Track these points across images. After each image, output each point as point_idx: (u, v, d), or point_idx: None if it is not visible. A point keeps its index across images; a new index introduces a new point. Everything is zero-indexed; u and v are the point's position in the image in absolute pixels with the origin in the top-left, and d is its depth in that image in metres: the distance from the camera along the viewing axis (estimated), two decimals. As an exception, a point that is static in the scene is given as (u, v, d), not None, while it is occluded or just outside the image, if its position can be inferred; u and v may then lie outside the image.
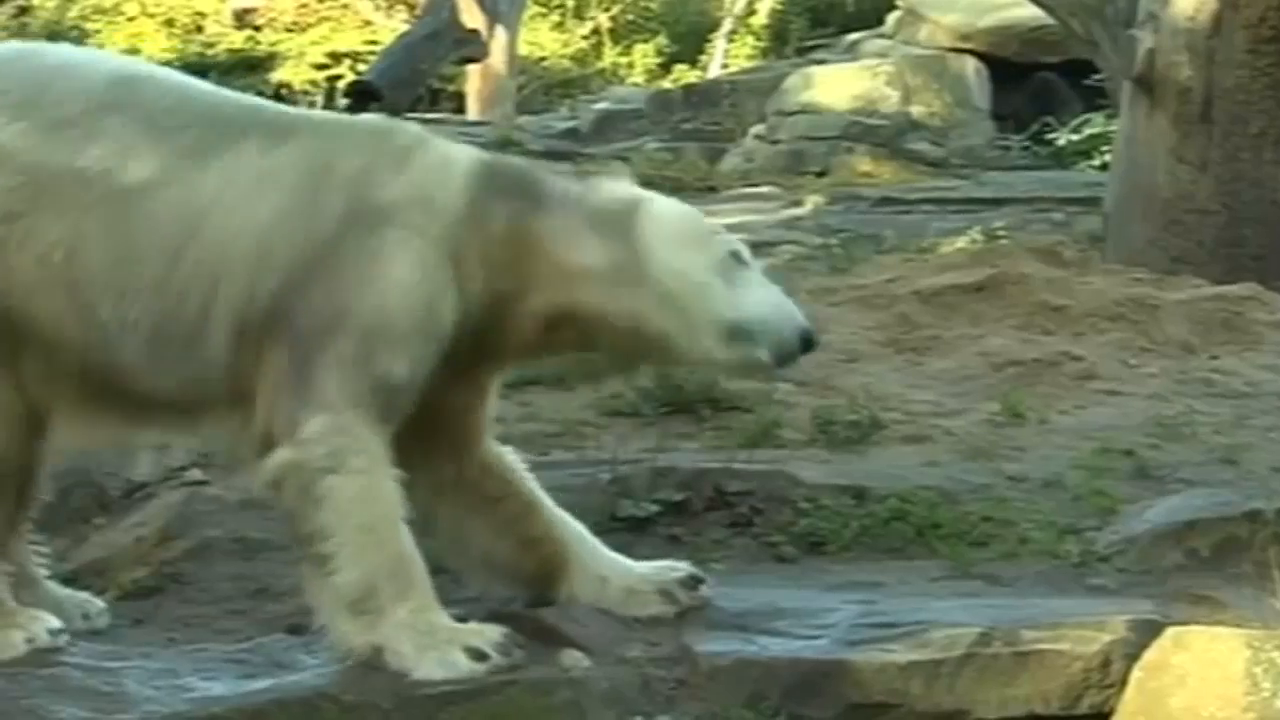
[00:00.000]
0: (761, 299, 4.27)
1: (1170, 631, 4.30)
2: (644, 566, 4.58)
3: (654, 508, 5.19)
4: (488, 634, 4.18)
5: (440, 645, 4.12)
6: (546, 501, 4.55)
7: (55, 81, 4.25)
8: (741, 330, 4.24)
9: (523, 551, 4.51)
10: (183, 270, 4.14)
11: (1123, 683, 4.28)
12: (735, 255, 4.30)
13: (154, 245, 4.14)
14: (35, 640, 4.28)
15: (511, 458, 4.56)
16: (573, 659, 4.23)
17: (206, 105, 4.33)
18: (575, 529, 4.56)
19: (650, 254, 4.24)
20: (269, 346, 4.14)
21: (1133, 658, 4.29)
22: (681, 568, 4.58)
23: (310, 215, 4.17)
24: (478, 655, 4.12)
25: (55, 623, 4.36)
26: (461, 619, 4.27)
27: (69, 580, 4.90)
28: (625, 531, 4.73)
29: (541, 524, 4.52)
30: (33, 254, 4.14)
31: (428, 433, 4.35)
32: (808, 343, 4.31)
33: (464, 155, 4.34)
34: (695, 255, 4.26)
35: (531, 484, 4.55)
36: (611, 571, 4.53)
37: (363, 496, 4.12)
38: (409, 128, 4.41)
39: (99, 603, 4.71)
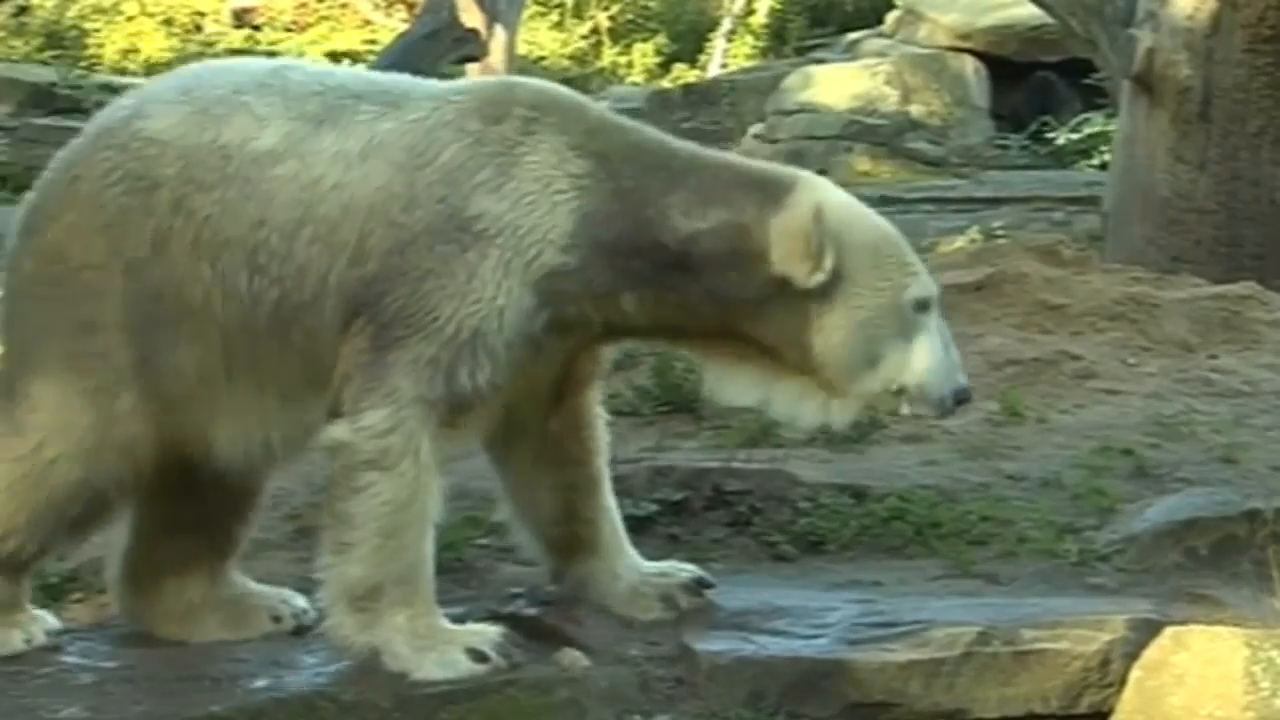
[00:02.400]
0: (932, 360, 4.18)
1: (1169, 631, 4.30)
2: (651, 567, 4.59)
3: (653, 507, 5.18)
4: (487, 635, 4.18)
5: (440, 646, 4.13)
6: (606, 485, 4.58)
7: (215, 75, 4.41)
8: (905, 390, 4.20)
9: (563, 519, 4.53)
10: (302, 243, 4.17)
11: (1122, 682, 4.28)
12: (920, 303, 4.19)
13: (278, 215, 4.19)
14: (33, 640, 4.30)
15: (601, 427, 4.57)
16: (572, 658, 4.23)
17: (336, 78, 4.40)
18: (614, 520, 4.59)
19: (845, 289, 4.13)
20: (358, 325, 4.14)
21: (1132, 657, 4.29)
22: (688, 570, 4.59)
23: (407, 204, 4.15)
24: (478, 656, 4.12)
25: (54, 623, 4.38)
26: (461, 619, 4.28)
27: (69, 579, 4.90)
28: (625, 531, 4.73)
29: (592, 505, 4.54)
30: (191, 234, 4.20)
31: (556, 387, 4.42)
32: (961, 401, 4.25)
33: (572, 168, 4.16)
34: (886, 304, 4.14)
35: (602, 462, 4.57)
36: (625, 569, 4.55)
37: (398, 500, 4.13)
38: (521, 103, 4.23)
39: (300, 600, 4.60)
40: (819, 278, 4.11)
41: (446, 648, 4.13)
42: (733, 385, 4.37)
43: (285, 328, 4.18)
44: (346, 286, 4.15)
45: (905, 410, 4.25)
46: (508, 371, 4.16)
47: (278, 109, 4.26)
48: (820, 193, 4.19)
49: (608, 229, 4.15)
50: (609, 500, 4.58)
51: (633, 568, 4.56)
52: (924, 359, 4.17)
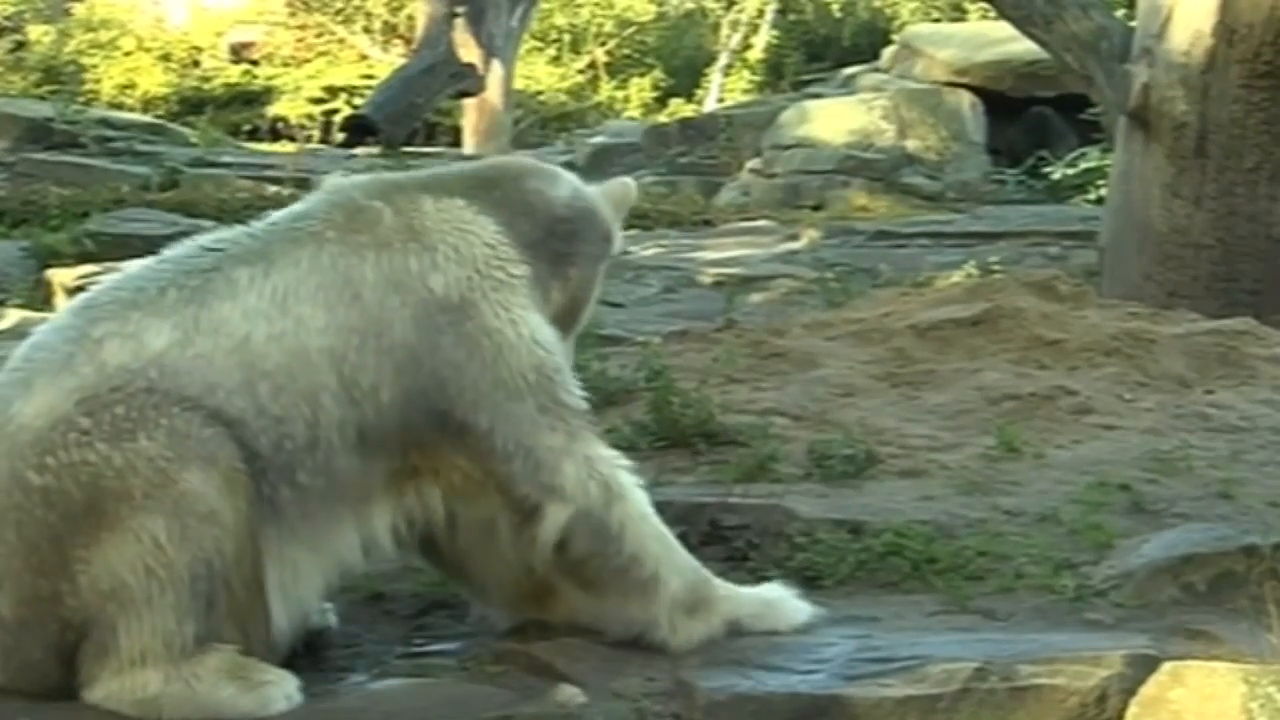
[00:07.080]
0: None
1: (1166, 666, 4.29)
2: None
3: (650, 542, 5.18)
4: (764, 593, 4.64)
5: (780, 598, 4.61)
6: None
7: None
8: None
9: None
10: (264, 398, 4.12)
11: (1119, 718, 4.27)
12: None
13: (226, 379, 4.11)
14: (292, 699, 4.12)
15: None
16: (568, 694, 4.22)
17: (173, 262, 4.31)
18: None
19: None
20: (444, 452, 4.26)
21: (1129, 693, 4.28)
22: None
23: (380, 330, 4.20)
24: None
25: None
26: (457, 654, 4.30)
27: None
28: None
29: None
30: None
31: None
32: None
33: (470, 209, 4.41)
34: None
35: None
36: None
37: (646, 511, 4.41)
38: (372, 196, 4.38)
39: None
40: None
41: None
42: None
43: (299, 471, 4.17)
44: (354, 424, 4.16)
45: None
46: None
47: (143, 316, 4.15)
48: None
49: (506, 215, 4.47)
50: None
51: None
52: None
